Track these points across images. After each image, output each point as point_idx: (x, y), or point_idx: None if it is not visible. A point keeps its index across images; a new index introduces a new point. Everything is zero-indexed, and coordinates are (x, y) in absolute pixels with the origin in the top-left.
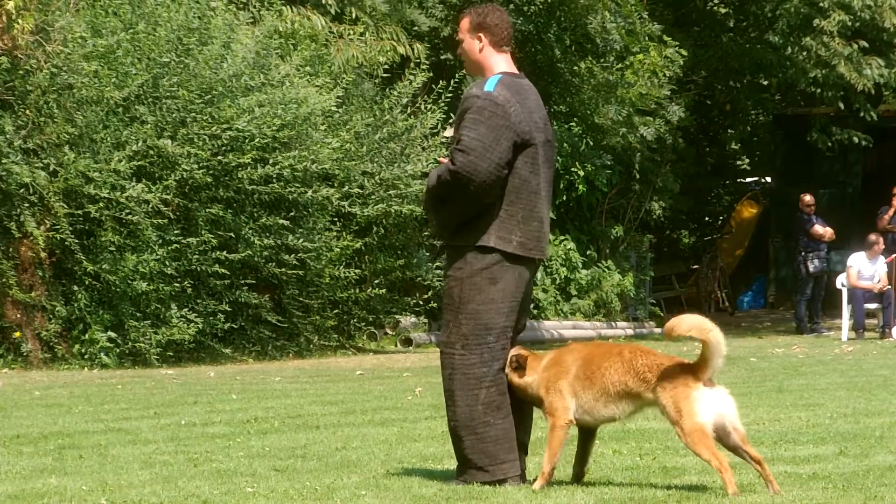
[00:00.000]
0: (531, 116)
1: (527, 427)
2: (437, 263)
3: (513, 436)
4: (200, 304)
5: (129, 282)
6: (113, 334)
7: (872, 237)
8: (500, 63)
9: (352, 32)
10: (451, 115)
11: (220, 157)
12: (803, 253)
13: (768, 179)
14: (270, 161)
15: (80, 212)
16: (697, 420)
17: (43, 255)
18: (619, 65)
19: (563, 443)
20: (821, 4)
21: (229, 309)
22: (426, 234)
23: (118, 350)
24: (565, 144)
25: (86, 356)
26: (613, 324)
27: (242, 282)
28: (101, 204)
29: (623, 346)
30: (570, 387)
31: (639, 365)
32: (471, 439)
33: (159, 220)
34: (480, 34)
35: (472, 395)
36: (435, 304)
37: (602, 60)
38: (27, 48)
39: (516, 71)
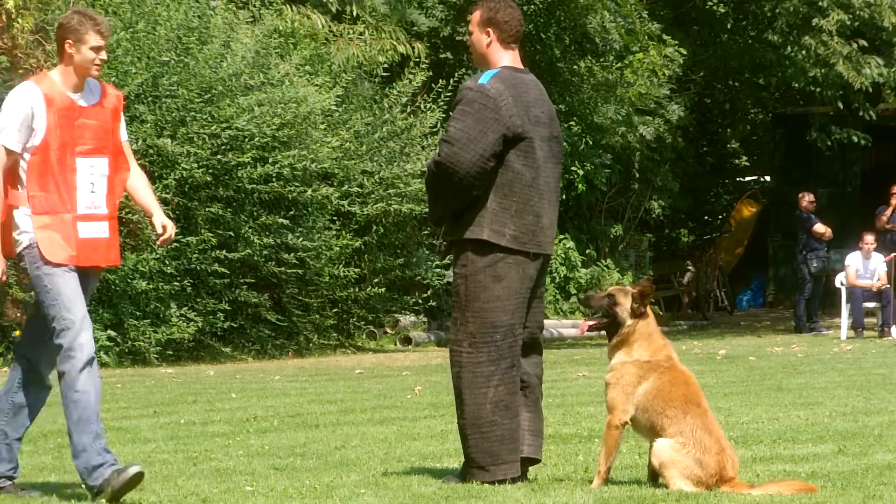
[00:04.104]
0: (528, 111)
1: (539, 424)
2: (437, 262)
3: (518, 437)
4: (200, 303)
5: (128, 281)
6: (112, 333)
7: (866, 237)
8: (504, 59)
9: (351, 31)
10: (450, 113)
11: (219, 156)
12: (805, 252)
13: (767, 178)
14: (270, 160)
15: None
16: (674, 484)
17: None
18: (619, 64)
19: (619, 442)
20: (820, 3)
21: (229, 308)
22: (426, 232)
23: (118, 349)
24: (565, 143)
25: None
26: None
27: (242, 281)
28: None
29: (692, 405)
30: (635, 397)
31: (687, 431)
32: (476, 438)
33: None
34: (489, 29)
35: (481, 394)
36: (434, 303)
37: (601, 60)
38: (27, 47)
39: (521, 66)
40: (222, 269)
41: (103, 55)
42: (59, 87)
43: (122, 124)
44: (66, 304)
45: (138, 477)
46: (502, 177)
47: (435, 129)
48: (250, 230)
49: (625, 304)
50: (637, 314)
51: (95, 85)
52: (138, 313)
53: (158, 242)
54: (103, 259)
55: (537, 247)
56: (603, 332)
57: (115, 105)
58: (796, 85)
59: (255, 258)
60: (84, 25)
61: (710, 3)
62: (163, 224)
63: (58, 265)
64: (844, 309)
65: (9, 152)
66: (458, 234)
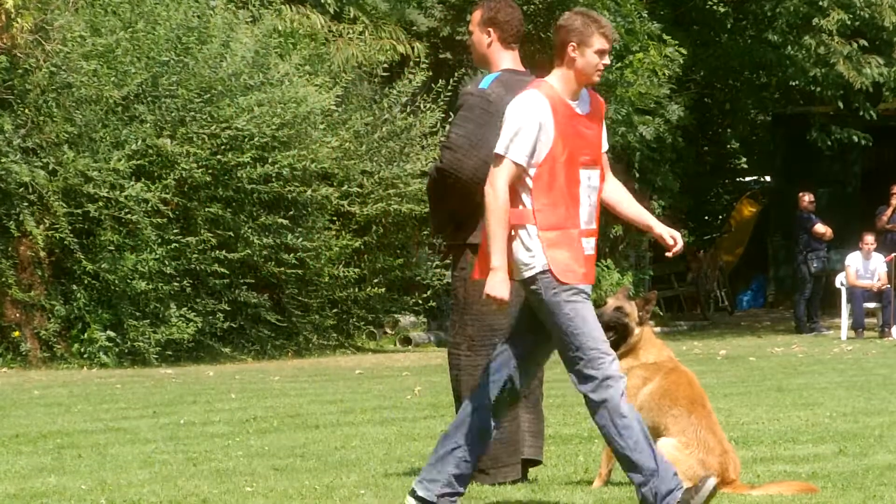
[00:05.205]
0: None
1: (539, 425)
2: (437, 262)
3: (517, 439)
4: (199, 304)
5: (128, 281)
6: (112, 333)
7: (866, 238)
8: (505, 60)
9: (351, 31)
10: (451, 114)
11: (219, 157)
12: (805, 252)
13: (768, 178)
14: (270, 160)
15: (79, 211)
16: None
17: (42, 254)
18: (619, 64)
19: None
20: (820, 3)
21: (228, 308)
22: (425, 232)
23: (117, 349)
24: None
25: (85, 355)
26: None
27: (241, 281)
28: (101, 203)
29: (697, 405)
30: (639, 399)
31: (691, 431)
32: None
33: (158, 220)
34: (490, 29)
35: None
36: (434, 304)
37: None
38: (26, 47)
39: (522, 68)
40: (222, 270)
41: (606, 60)
42: (560, 93)
43: (605, 133)
44: (591, 331)
45: (715, 489)
46: None
47: (435, 129)
48: (250, 230)
49: (633, 314)
50: (643, 321)
51: (584, 92)
52: (138, 314)
53: (672, 253)
54: (594, 277)
55: None
56: None
57: (601, 114)
58: (794, 83)
59: (255, 258)
60: (589, 27)
61: (710, 3)
62: (672, 235)
63: (572, 287)
64: (845, 309)
65: (516, 166)
66: (460, 239)
